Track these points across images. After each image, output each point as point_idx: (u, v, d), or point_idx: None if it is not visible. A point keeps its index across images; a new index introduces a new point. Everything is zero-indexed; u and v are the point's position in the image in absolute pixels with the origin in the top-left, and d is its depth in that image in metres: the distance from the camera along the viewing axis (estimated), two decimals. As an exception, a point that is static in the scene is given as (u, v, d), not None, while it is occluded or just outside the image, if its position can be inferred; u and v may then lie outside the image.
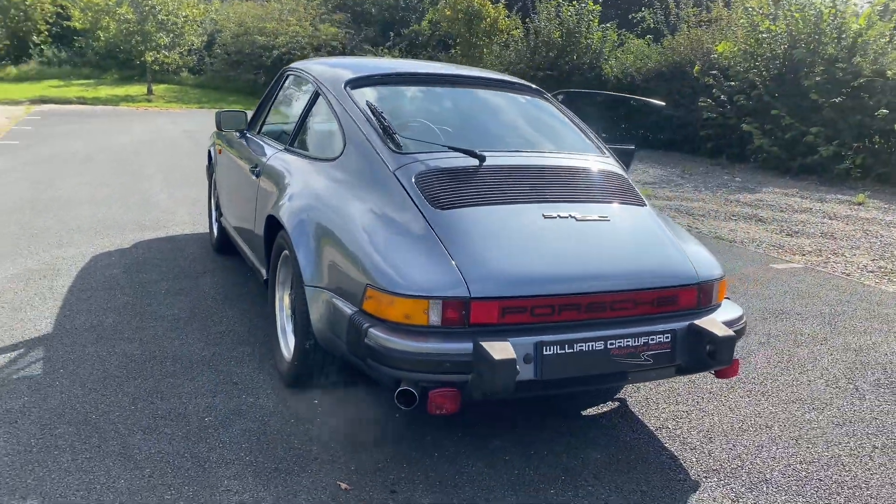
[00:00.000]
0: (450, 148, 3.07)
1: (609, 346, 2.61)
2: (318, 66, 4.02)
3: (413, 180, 2.91)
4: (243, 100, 22.52)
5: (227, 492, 2.44)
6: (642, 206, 3.17)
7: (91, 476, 2.49)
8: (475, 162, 3.02)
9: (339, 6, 25.77)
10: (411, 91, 3.81)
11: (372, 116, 3.22)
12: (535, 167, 3.16)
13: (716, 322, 2.80)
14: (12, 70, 24.59)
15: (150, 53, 21.83)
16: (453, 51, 20.37)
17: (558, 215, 2.87)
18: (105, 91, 22.49)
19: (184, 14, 22.46)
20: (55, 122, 14.50)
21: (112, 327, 3.86)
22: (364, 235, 2.78)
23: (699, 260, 2.97)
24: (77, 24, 22.94)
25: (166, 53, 22.54)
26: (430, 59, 21.83)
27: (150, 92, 22.42)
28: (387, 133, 3.12)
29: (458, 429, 2.95)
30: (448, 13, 18.77)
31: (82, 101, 19.90)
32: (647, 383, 3.45)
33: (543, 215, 2.86)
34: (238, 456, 2.67)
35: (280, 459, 2.66)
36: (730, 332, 2.74)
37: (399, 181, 2.92)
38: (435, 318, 2.47)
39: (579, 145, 3.58)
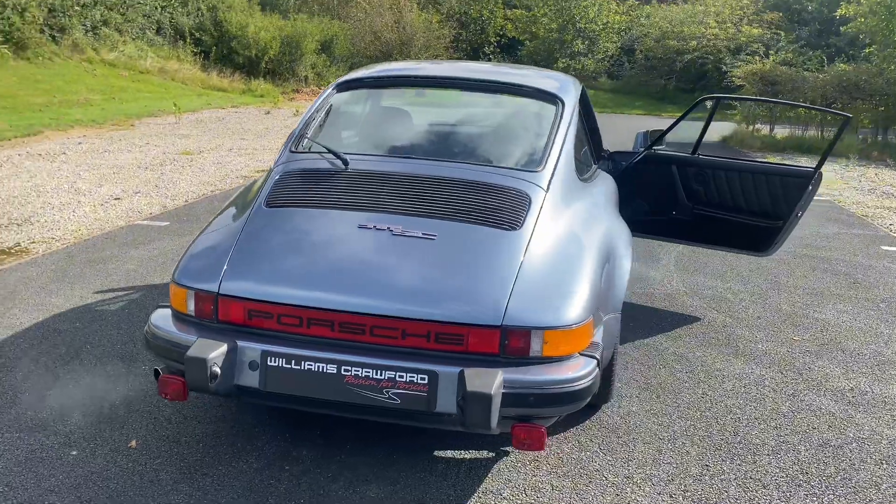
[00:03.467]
0: (327, 150, 2.90)
1: (343, 373, 2.23)
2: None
3: (277, 177, 2.86)
4: (648, 105, 22.34)
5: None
6: (511, 230, 2.52)
7: None
8: (341, 165, 2.81)
9: (774, 5, 23.57)
10: (390, 94, 3.64)
11: (311, 116, 3.22)
12: (399, 176, 2.78)
13: (491, 374, 2.14)
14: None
15: (563, 60, 23.10)
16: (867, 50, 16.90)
17: (374, 226, 2.51)
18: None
19: (604, 21, 23.19)
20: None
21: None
22: (209, 227, 2.83)
23: (531, 302, 2.29)
24: (512, 33, 25.49)
25: (584, 60, 23.59)
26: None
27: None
28: (300, 133, 3.10)
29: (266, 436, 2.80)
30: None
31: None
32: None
33: (359, 225, 2.53)
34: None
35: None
36: (489, 390, 2.08)
37: (271, 178, 2.90)
38: (192, 309, 2.45)
39: (514, 160, 3.01)
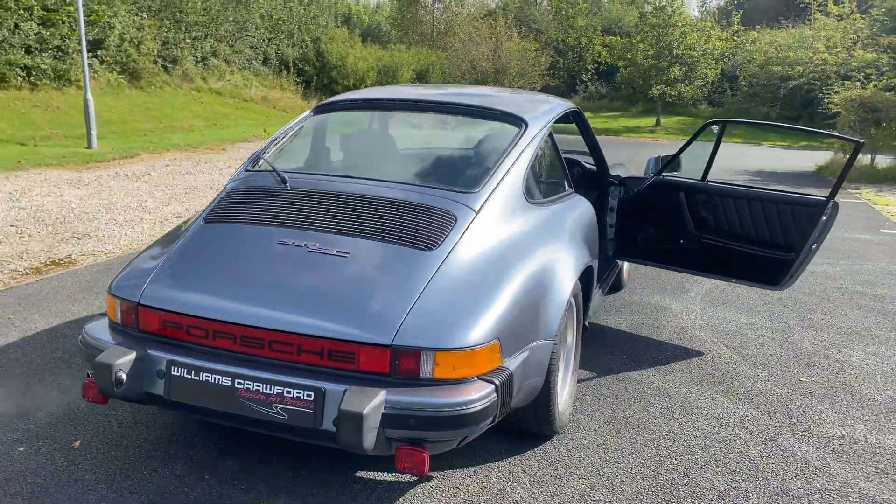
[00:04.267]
0: (271, 168, 2.98)
1: (237, 386, 2.28)
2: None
3: (224, 194, 2.98)
4: (748, 134, 21.42)
5: None
6: (426, 250, 2.51)
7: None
8: (282, 185, 2.89)
9: (892, 29, 22.16)
10: (358, 116, 3.68)
11: (278, 137, 3.34)
12: (332, 194, 2.81)
13: (370, 394, 2.13)
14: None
15: (658, 87, 22.57)
16: None
17: (293, 243, 2.56)
18: (622, 122, 24.20)
19: (703, 47, 22.53)
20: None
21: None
22: (156, 240, 2.97)
23: (426, 323, 2.26)
24: (608, 59, 25.19)
25: (680, 87, 22.97)
26: None
27: (657, 124, 23.22)
28: (261, 152, 3.23)
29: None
30: None
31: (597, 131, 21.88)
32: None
33: (279, 241, 2.59)
34: None
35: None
36: (361, 409, 2.07)
37: (219, 194, 3.01)
38: (119, 318, 2.58)
39: (454, 180, 2.99)
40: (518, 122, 3.24)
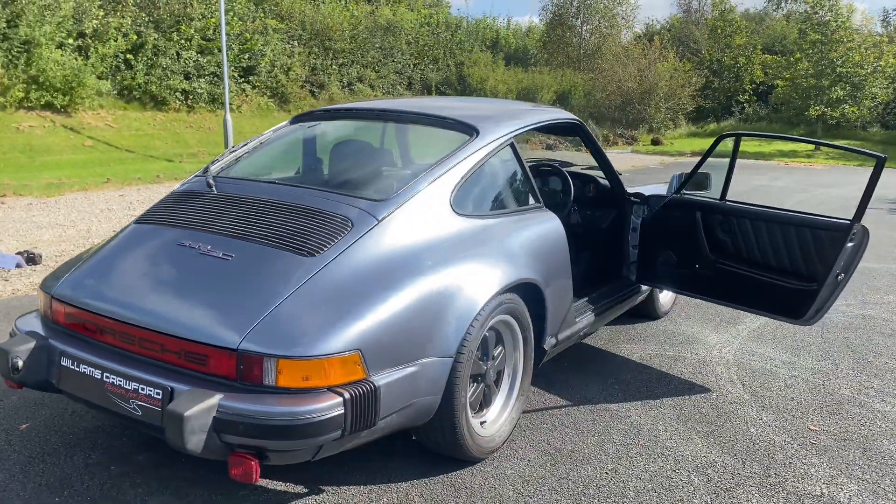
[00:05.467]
0: (202, 172, 3.07)
1: (105, 380, 2.36)
2: None
3: (164, 197, 3.10)
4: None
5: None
6: (307, 256, 2.45)
7: None
8: (208, 189, 2.96)
9: None
10: (323, 126, 3.67)
11: (243, 144, 3.45)
12: (244, 199, 2.84)
13: (201, 396, 2.12)
14: (711, 126, 26.99)
15: (817, 108, 20.81)
16: None
17: (189, 244, 2.61)
18: (777, 146, 22.52)
19: (874, 64, 20.55)
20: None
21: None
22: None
23: (277, 330, 2.22)
24: (761, 78, 23.63)
25: (844, 107, 21.06)
26: None
27: (817, 148, 21.39)
28: (219, 158, 3.33)
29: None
30: None
31: (747, 155, 20.54)
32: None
33: (178, 243, 2.64)
34: None
35: None
36: (183, 411, 2.06)
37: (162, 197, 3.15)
38: (43, 311, 2.76)
39: (371, 188, 2.96)
40: (469, 130, 3.12)
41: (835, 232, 3.37)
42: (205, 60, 16.64)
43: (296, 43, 19.81)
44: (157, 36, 15.69)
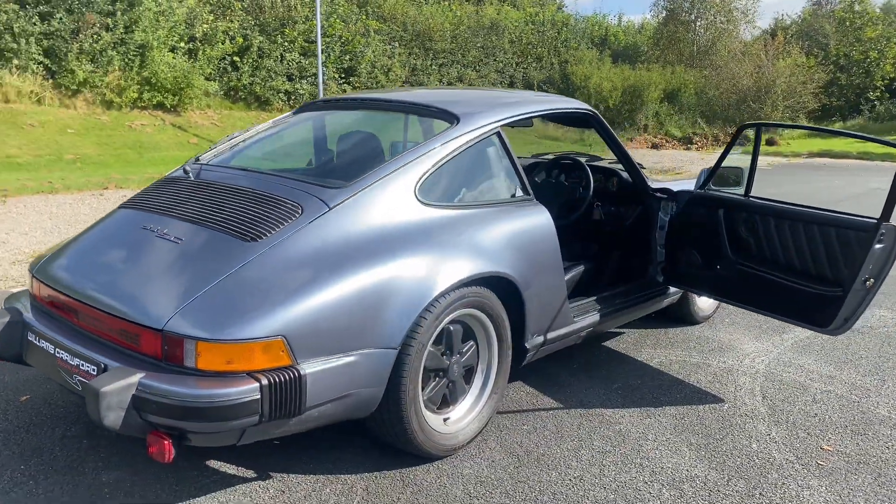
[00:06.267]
0: (196, 160, 3.14)
1: (56, 354, 2.46)
2: None
3: (153, 183, 3.20)
4: None
5: None
6: (249, 241, 2.46)
7: None
8: (185, 175, 3.03)
9: None
10: (319, 116, 3.65)
11: (240, 133, 3.52)
12: (210, 184, 2.90)
13: (121, 374, 2.17)
14: (837, 125, 25.18)
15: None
16: None
17: (151, 228, 2.68)
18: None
19: None
20: (786, 171, 14.81)
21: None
22: None
23: (201, 312, 2.24)
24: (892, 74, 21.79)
25: None
26: None
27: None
28: (214, 146, 3.42)
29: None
30: None
31: (859, 155, 19.08)
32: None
33: (143, 226, 2.72)
34: None
35: None
36: (99, 386, 2.11)
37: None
38: (30, 289, 2.91)
39: (333, 174, 2.98)
40: (450, 118, 3.04)
41: (861, 232, 3.04)
42: (307, 62, 17.21)
43: (396, 44, 20.13)
44: (262, 39, 16.38)
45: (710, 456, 2.87)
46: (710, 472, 2.75)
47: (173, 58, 14.47)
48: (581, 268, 3.79)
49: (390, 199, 2.70)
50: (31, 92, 13.08)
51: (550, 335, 3.20)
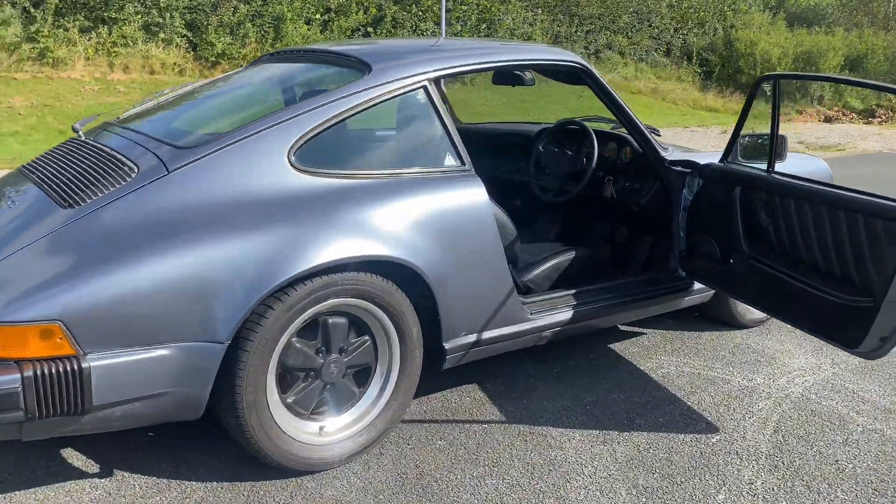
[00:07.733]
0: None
1: None
2: None
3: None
4: None
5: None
6: (66, 207, 2.14)
7: None
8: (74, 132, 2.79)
9: None
10: (254, 71, 3.27)
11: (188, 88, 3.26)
12: (83, 145, 2.61)
13: None
14: None
15: None
16: None
17: (8, 191, 2.49)
18: None
19: None
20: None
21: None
22: None
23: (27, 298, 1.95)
24: None
25: None
26: None
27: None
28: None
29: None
30: None
31: None
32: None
33: (6, 186, 2.52)
34: None
35: None
36: None
37: None
38: None
39: (200, 132, 2.58)
40: (362, 68, 2.55)
41: (890, 222, 2.21)
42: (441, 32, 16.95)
43: (539, 10, 19.32)
44: (396, 9, 16.30)
45: (651, 502, 2.23)
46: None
47: (308, 29, 14.74)
48: (571, 254, 3.18)
49: (250, 164, 2.27)
50: (174, 63, 13.88)
51: (488, 334, 2.65)
